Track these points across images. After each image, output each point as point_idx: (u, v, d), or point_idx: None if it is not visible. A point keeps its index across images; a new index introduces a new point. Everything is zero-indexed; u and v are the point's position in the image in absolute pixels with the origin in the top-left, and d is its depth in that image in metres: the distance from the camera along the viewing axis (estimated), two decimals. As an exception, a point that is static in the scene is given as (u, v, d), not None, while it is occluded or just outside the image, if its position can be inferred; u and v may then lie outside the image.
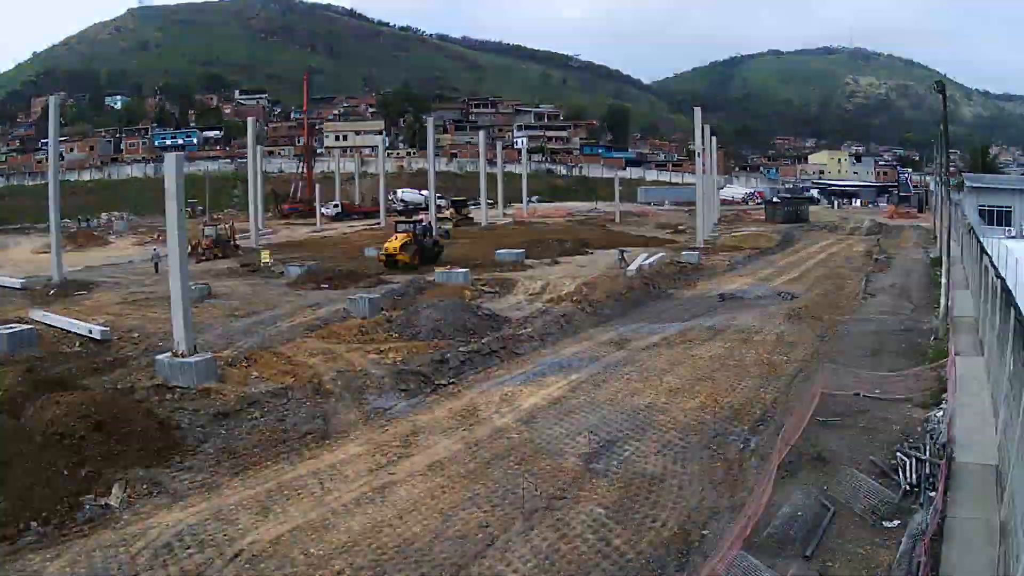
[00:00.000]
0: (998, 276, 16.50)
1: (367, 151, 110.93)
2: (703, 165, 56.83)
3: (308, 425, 16.40)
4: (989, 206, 39.82)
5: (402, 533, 11.95)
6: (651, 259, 39.05)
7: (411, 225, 41.08)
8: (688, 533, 11.83)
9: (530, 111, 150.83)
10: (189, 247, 31.10)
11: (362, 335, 23.65)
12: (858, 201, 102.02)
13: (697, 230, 44.01)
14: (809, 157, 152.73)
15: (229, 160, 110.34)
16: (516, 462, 14.80)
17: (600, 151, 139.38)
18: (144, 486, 13.16)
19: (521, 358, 22.51)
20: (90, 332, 22.43)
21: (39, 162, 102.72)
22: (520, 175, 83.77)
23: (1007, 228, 37.21)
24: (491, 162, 76.54)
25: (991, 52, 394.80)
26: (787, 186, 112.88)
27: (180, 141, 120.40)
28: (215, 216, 67.82)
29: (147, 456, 13.98)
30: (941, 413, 15.39)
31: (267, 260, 38.54)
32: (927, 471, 12.93)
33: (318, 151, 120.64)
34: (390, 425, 16.92)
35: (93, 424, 13.78)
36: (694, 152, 60.88)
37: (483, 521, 12.30)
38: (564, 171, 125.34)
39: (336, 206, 78.64)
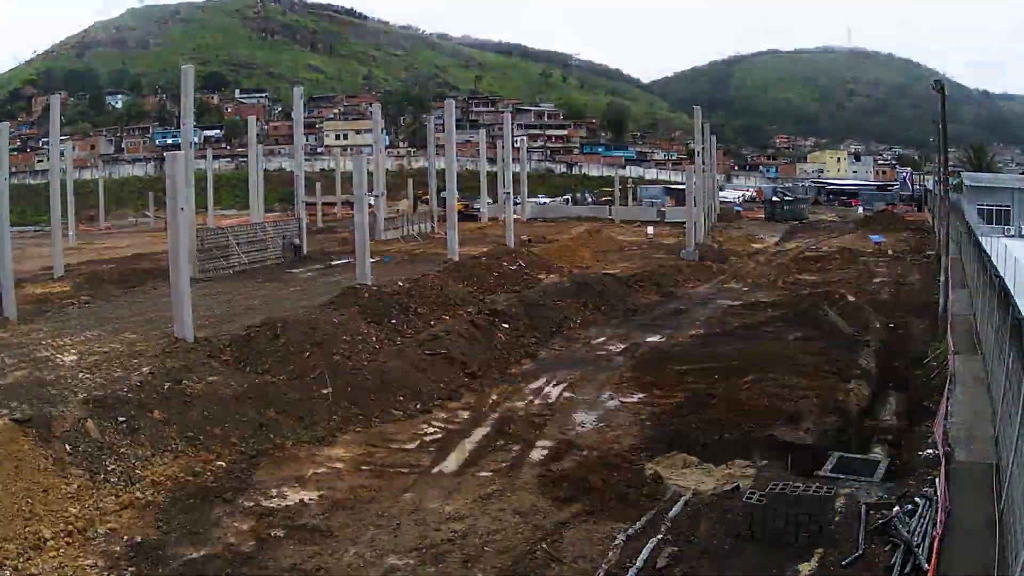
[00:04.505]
0: (996, 275, 16.54)
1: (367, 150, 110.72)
2: (702, 163, 56.85)
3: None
4: (988, 205, 39.95)
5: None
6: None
7: None
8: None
9: (530, 110, 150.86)
10: None
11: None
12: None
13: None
14: (808, 156, 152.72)
15: (230, 159, 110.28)
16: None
17: (600, 150, 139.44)
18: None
19: (518, 357, 22.53)
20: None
21: (40, 161, 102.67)
22: (520, 173, 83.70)
23: (1006, 227, 37.29)
24: (491, 160, 76.52)
25: (990, 51, 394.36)
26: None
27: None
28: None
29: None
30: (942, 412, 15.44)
31: None
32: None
33: (318, 149, 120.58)
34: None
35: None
36: (694, 151, 60.93)
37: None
38: (563, 169, 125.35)
39: None
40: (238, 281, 33.51)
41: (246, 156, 63.51)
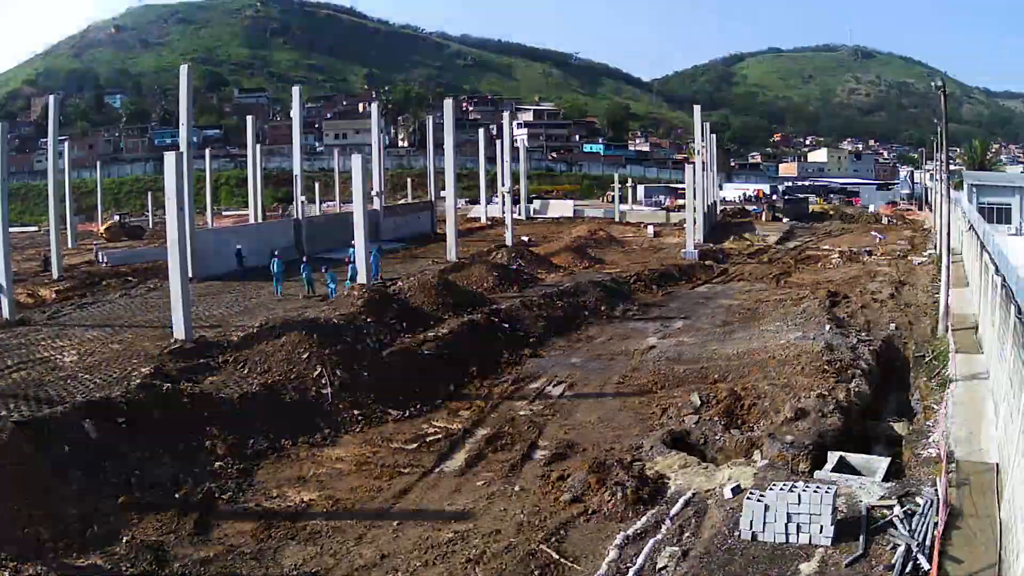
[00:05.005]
0: (998, 273, 16.51)
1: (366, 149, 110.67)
2: (702, 163, 56.75)
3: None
4: (989, 203, 39.92)
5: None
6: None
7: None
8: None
9: (530, 109, 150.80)
10: None
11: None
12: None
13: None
14: (809, 155, 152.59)
15: (229, 159, 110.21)
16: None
17: (600, 149, 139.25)
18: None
19: (518, 357, 22.44)
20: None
21: (39, 161, 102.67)
22: (520, 173, 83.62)
23: (1007, 225, 37.27)
24: (491, 160, 76.39)
25: (991, 49, 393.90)
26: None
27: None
28: None
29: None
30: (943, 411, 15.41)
31: None
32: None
33: (317, 149, 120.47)
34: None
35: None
36: (694, 150, 60.89)
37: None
38: (564, 169, 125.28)
39: None
40: (237, 281, 33.43)
41: (245, 156, 63.49)
